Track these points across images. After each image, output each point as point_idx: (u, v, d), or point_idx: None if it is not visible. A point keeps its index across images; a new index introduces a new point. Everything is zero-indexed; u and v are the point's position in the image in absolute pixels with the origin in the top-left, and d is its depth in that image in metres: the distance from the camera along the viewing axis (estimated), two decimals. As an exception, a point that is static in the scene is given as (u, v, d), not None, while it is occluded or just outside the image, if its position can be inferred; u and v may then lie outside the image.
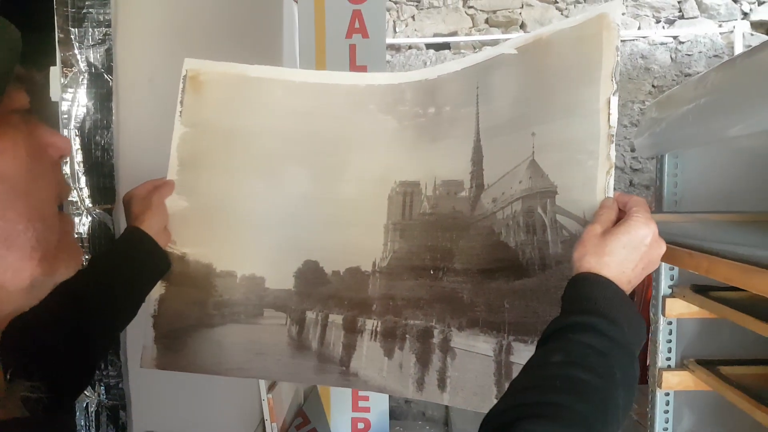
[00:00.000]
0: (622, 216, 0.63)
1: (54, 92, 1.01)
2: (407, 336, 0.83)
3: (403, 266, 0.85)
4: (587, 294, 0.57)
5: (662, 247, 0.62)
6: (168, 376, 0.93)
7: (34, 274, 0.40)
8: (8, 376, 0.39)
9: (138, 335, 0.92)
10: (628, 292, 0.59)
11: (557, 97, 0.72)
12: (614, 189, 0.67)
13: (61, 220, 0.44)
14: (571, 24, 0.72)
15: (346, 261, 0.88)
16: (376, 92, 0.90)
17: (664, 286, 1.39)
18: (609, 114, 0.67)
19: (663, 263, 1.32)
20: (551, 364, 0.52)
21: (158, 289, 0.90)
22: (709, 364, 1.37)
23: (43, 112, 1.09)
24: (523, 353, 0.71)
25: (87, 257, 1.04)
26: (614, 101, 0.67)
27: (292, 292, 0.90)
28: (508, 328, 0.73)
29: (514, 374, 0.72)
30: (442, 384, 0.79)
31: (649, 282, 1.80)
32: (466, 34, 3.23)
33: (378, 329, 0.85)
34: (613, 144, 0.67)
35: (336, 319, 0.88)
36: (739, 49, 3.06)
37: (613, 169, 0.67)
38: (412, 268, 0.84)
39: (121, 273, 0.80)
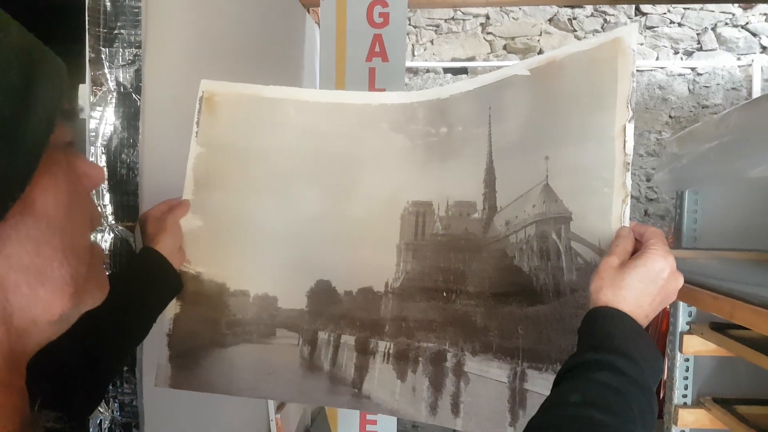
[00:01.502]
0: (638, 246, 0.63)
1: (83, 110, 1.03)
2: (420, 359, 0.82)
3: (416, 287, 0.85)
4: (604, 329, 0.56)
5: (680, 281, 0.61)
6: (180, 395, 0.93)
7: (64, 308, 0.40)
8: (36, 407, 0.39)
9: (154, 353, 0.91)
10: (644, 326, 0.58)
11: (571, 121, 0.71)
12: (630, 218, 0.66)
13: (91, 250, 0.43)
14: (585, 47, 0.71)
15: (358, 281, 0.88)
16: (388, 111, 0.90)
17: (682, 322, 1.37)
18: (625, 141, 0.66)
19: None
20: (569, 404, 0.51)
21: (173, 308, 0.90)
22: (725, 403, 1.34)
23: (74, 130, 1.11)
24: (537, 381, 0.70)
25: (108, 273, 1.05)
26: (630, 128, 0.66)
27: (304, 311, 0.89)
28: (522, 354, 0.73)
29: (529, 402, 0.71)
30: (455, 409, 0.78)
31: (665, 314, 1.78)
32: (484, 60, 3.25)
33: (390, 351, 0.84)
34: (629, 172, 0.66)
35: (348, 339, 0.87)
36: (757, 83, 3.05)
37: (629, 197, 0.66)
38: (424, 289, 0.84)
39: (134, 293, 0.80)
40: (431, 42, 3.29)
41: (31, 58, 0.36)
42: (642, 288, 0.58)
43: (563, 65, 0.73)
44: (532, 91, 0.76)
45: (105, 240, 1.04)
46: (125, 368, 1.01)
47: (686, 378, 1.40)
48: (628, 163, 0.66)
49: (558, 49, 0.74)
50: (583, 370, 0.54)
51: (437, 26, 3.28)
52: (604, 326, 0.57)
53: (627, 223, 0.66)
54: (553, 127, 0.73)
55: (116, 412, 1.01)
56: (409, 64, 3.18)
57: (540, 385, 0.70)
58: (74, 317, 0.42)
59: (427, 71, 3.29)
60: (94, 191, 1.04)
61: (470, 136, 0.83)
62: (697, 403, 1.41)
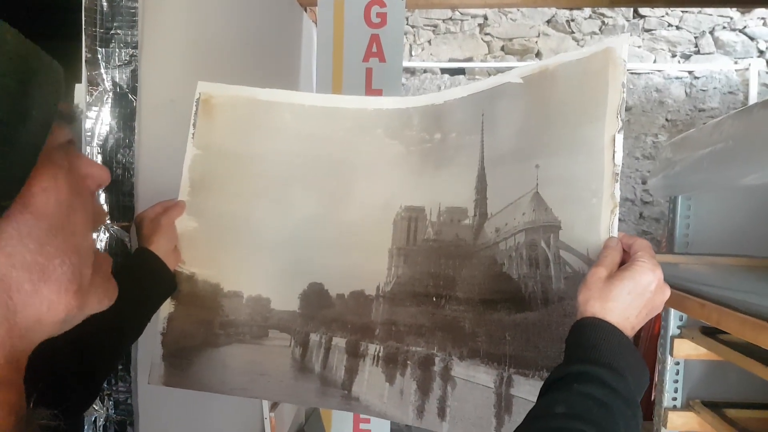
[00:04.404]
0: (626, 257, 0.63)
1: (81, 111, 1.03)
2: (408, 363, 0.83)
3: (406, 292, 0.85)
4: (591, 341, 0.57)
5: (666, 293, 0.62)
6: (175, 394, 0.94)
7: (69, 308, 0.41)
8: (31, 404, 0.40)
9: (149, 351, 0.92)
10: (631, 337, 0.59)
11: (562, 131, 0.72)
12: (624, 221, 0.66)
13: (97, 255, 0.44)
14: (578, 56, 0.71)
15: (350, 284, 0.89)
16: (383, 116, 0.91)
17: (672, 326, 1.39)
18: (614, 152, 0.66)
19: (671, 304, 1.32)
20: (554, 416, 0.52)
21: (168, 308, 0.91)
22: (714, 407, 1.36)
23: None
24: (523, 387, 0.71)
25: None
26: (619, 139, 0.66)
27: (296, 314, 0.90)
28: (509, 360, 0.73)
29: (515, 407, 0.72)
30: (441, 413, 0.79)
31: (657, 317, 1.80)
32: (482, 60, 3.25)
33: (380, 354, 0.85)
34: (618, 183, 0.66)
35: (339, 342, 0.88)
36: (754, 87, 3.06)
37: (618, 208, 0.66)
38: (414, 294, 0.85)
39: (128, 293, 0.80)
40: (429, 42, 3.29)
41: (28, 65, 0.37)
42: (629, 300, 0.59)
43: (555, 74, 0.73)
44: (525, 99, 0.77)
45: (101, 240, 1.05)
46: (120, 367, 1.01)
47: (676, 381, 1.42)
48: (617, 174, 0.66)
49: (551, 57, 0.75)
50: (569, 381, 0.54)
51: (435, 26, 3.28)
52: (591, 338, 0.57)
53: (615, 233, 0.66)
54: (544, 135, 0.74)
55: (111, 410, 1.01)
56: (406, 64, 3.18)
57: (526, 391, 0.71)
58: (79, 319, 0.43)
59: (425, 71, 3.29)
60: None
61: (463, 143, 0.84)
62: (686, 406, 1.42)
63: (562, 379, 0.55)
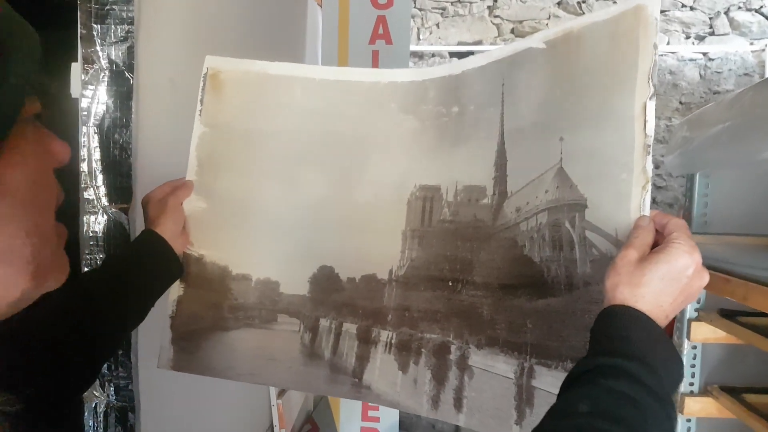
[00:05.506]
0: (659, 239, 0.58)
1: (74, 89, 1.01)
2: (423, 350, 0.79)
3: (421, 276, 0.82)
4: (620, 331, 0.52)
5: (704, 279, 0.56)
6: (178, 379, 0.92)
7: (25, 288, 0.39)
8: None
9: (151, 337, 0.91)
10: (663, 327, 0.54)
11: (588, 99, 0.66)
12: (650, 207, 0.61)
13: (56, 231, 0.42)
14: (604, 17, 0.65)
15: (361, 268, 0.86)
16: (398, 90, 0.86)
17: (690, 309, 1.34)
18: (645, 121, 0.61)
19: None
20: (578, 414, 0.47)
21: (177, 291, 0.89)
22: (733, 392, 1.32)
23: (64, 108, 1.08)
24: (545, 378, 0.67)
25: (101, 256, 1.03)
26: (651, 107, 0.60)
27: (306, 298, 0.88)
28: (531, 350, 0.69)
29: (536, 400, 0.68)
30: (458, 403, 0.75)
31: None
32: (491, 44, 3.20)
33: (392, 341, 0.82)
34: (650, 156, 0.60)
35: (350, 328, 0.85)
36: (771, 68, 2.99)
37: (650, 184, 0.60)
38: (429, 278, 0.81)
39: (132, 275, 0.79)
40: (437, 25, 3.23)
41: (2, 27, 0.34)
42: (663, 286, 0.53)
43: (581, 37, 0.68)
44: (548, 66, 0.71)
45: (98, 222, 1.03)
46: (120, 352, 0.99)
47: (693, 366, 1.38)
48: (649, 146, 0.60)
49: (576, 19, 0.69)
50: (595, 375, 0.49)
51: (443, 9, 3.22)
52: (620, 328, 0.52)
53: (647, 212, 0.60)
54: (568, 105, 0.68)
55: (112, 396, 1.00)
56: (414, 48, 3.13)
57: (548, 382, 0.67)
58: (34, 297, 0.41)
59: (433, 55, 3.24)
60: (82, 160, 1.02)
61: (482, 116, 0.79)
62: (704, 392, 1.39)
63: (587, 373, 0.50)
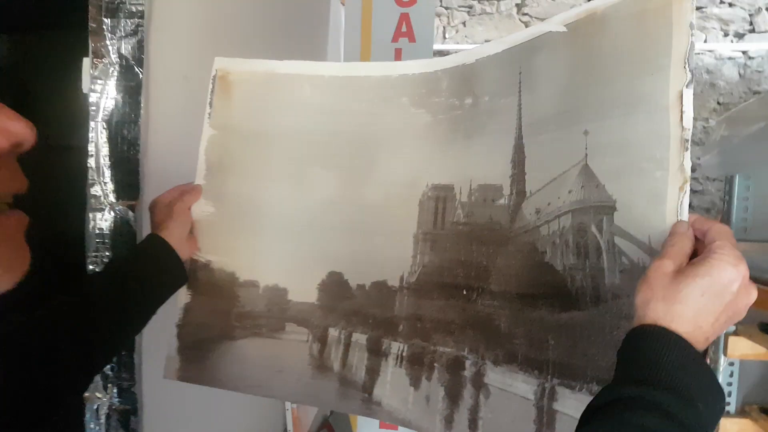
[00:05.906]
0: (699, 248, 0.51)
1: (85, 84, 0.99)
2: (435, 365, 0.74)
3: (433, 283, 0.76)
4: (651, 356, 0.45)
5: (752, 295, 0.48)
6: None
7: None
8: None
9: (154, 337, 0.89)
10: (702, 351, 0.46)
11: (616, 88, 0.59)
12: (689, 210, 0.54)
13: (12, 218, 0.37)
14: None
15: (371, 273, 0.81)
16: (409, 83, 0.82)
17: (726, 321, 1.26)
18: (682, 111, 0.53)
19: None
20: None
21: (184, 298, 0.87)
22: (774, 413, 1.24)
23: (73, 103, 1.06)
24: (568, 401, 0.60)
25: (107, 254, 1.01)
26: (688, 95, 0.53)
27: (315, 306, 0.84)
28: (552, 368, 0.62)
29: (558, 425, 0.61)
30: (473, 425, 0.69)
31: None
32: (519, 43, 3.13)
33: (404, 353, 0.77)
34: (688, 152, 0.53)
35: (360, 338, 0.81)
36: (816, 67, 2.85)
37: (688, 183, 0.53)
38: (442, 285, 0.75)
39: (133, 281, 0.77)
40: (463, 24, 3.18)
41: None
42: (703, 303, 0.46)
43: (606, 18, 0.61)
44: (570, 51, 0.65)
45: (105, 219, 1.01)
46: (123, 353, 0.97)
47: (730, 384, 1.30)
48: (687, 140, 0.53)
49: None
50: (621, 408, 0.43)
51: (470, 7, 3.16)
52: (650, 351, 0.45)
53: (685, 216, 0.53)
54: (593, 94, 0.61)
55: (114, 398, 0.97)
56: (440, 46, 3.08)
57: (572, 406, 0.60)
58: None
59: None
60: (90, 155, 0.99)
61: (498, 107, 0.73)
62: (741, 412, 1.31)
63: (610, 405, 0.44)
